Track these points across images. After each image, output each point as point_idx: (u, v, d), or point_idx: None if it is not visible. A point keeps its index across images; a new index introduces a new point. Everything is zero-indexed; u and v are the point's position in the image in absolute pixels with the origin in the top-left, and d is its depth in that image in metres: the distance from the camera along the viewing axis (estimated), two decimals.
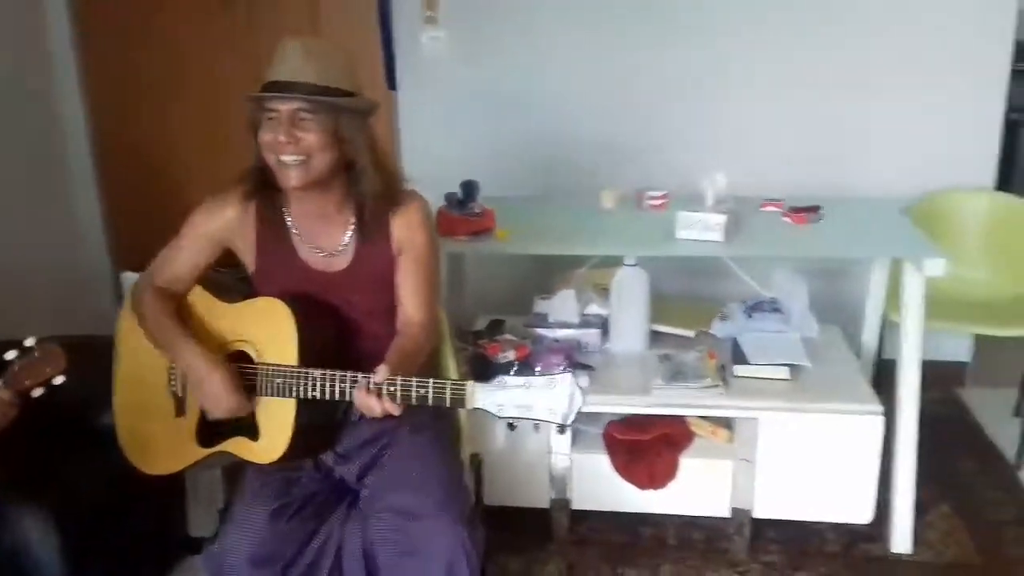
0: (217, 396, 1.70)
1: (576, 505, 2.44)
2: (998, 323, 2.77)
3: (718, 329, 2.64)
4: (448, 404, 1.59)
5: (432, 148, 3.24)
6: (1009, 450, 2.86)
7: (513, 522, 2.43)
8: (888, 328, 2.87)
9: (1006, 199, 3.05)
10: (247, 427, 1.74)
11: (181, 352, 1.75)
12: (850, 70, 3.06)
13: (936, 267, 2.20)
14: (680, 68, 3.11)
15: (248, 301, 1.82)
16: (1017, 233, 2.93)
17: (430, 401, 1.58)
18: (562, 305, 2.64)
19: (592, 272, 2.77)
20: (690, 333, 2.66)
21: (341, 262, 1.81)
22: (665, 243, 2.36)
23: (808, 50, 3.06)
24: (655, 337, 2.64)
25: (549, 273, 2.88)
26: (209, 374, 1.70)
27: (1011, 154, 5.12)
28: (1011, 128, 5.30)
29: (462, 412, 1.98)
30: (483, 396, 1.56)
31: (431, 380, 1.59)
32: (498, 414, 1.56)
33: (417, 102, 3.25)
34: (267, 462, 1.72)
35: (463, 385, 1.58)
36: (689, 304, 2.84)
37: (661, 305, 2.69)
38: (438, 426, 1.87)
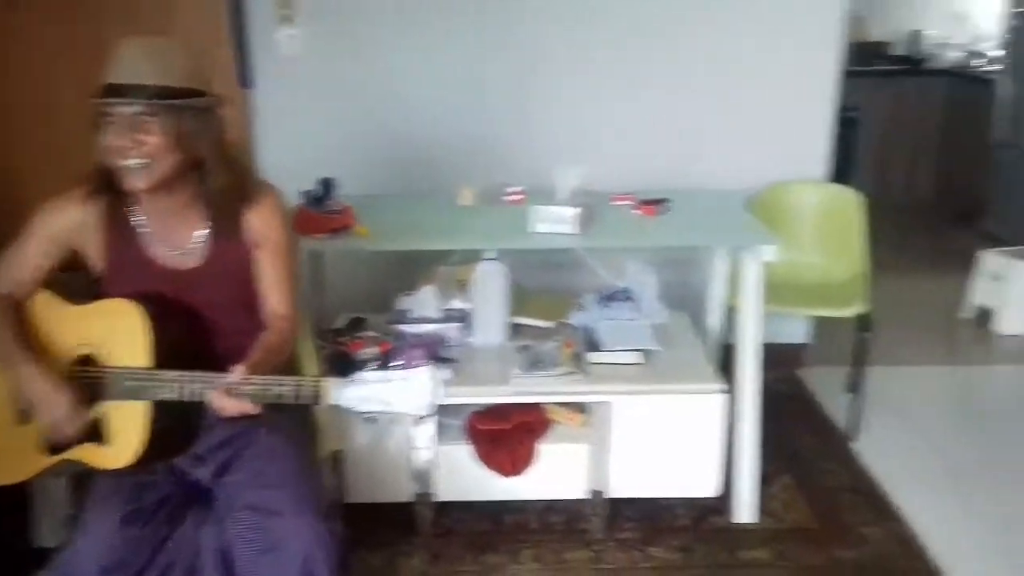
0: (58, 420, 1.67)
1: (440, 497, 2.49)
2: (831, 305, 2.98)
3: (575, 319, 2.74)
4: (305, 401, 1.60)
5: (291, 146, 3.21)
6: (843, 423, 3.09)
7: (377, 518, 2.46)
8: (735, 314, 3.05)
9: (837, 190, 3.27)
10: (96, 432, 1.70)
11: (20, 371, 1.70)
12: (696, 71, 3.22)
13: (769, 253, 2.37)
14: (537, 67, 3.20)
15: (96, 303, 1.78)
16: (846, 221, 3.16)
17: (287, 399, 1.59)
18: (424, 301, 2.68)
19: (454, 268, 2.82)
20: (549, 324, 2.75)
21: (195, 259, 1.79)
22: (521, 236, 2.43)
23: (658, 51, 3.20)
24: (516, 329, 2.72)
25: (412, 270, 2.91)
26: (51, 396, 1.67)
27: (848, 149, 5.51)
28: (848, 125, 5.71)
29: (320, 410, 1.99)
30: (340, 392, 1.57)
31: (287, 378, 1.60)
32: (356, 409, 1.58)
33: (274, 100, 3.21)
34: (118, 467, 1.68)
35: (319, 381, 1.59)
36: (548, 297, 2.93)
37: (522, 298, 2.77)
38: (295, 424, 1.87)
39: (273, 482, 1.72)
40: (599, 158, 3.06)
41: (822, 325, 3.51)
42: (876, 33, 6.05)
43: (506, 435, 2.48)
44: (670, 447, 2.47)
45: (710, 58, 3.21)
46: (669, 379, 2.47)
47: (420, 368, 1.58)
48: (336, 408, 1.61)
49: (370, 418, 2.30)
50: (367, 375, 1.57)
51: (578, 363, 2.49)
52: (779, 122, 3.29)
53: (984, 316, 4.04)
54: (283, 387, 1.59)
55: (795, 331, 3.57)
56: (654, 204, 2.63)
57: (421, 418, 1.65)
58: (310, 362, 2.04)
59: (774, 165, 3.30)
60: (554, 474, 2.49)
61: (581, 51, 3.19)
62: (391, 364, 1.64)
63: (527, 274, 2.94)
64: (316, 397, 1.59)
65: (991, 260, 4.03)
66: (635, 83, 3.23)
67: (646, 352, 2.55)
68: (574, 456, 2.47)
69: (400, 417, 1.60)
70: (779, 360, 3.48)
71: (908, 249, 5.16)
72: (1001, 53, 5.37)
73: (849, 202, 3.18)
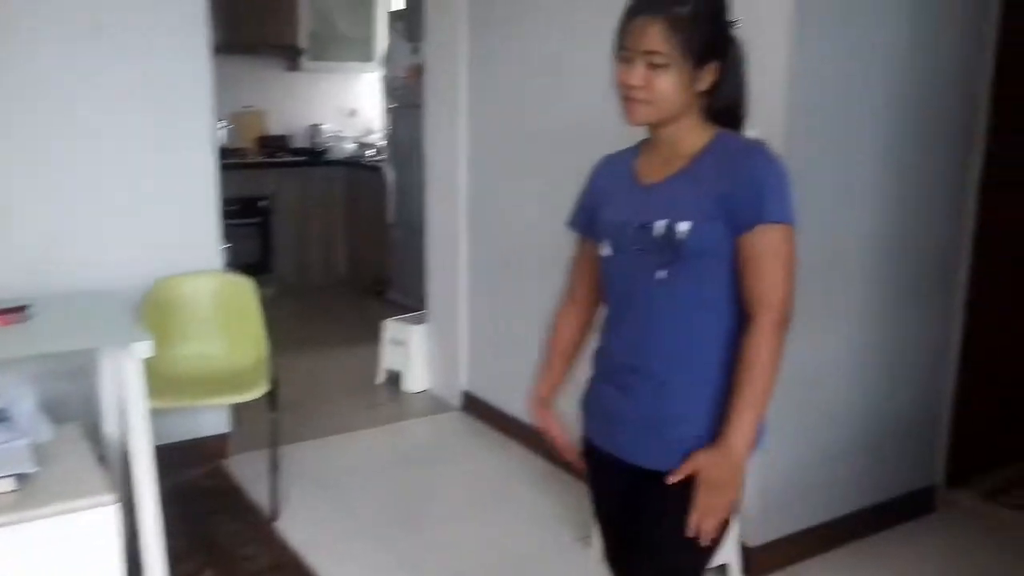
0: None
1: None
2: (238, 391, 3.01)
3: None
4: None
5: None
6: (267, 505, 3.12)
7: None
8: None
9: (229, 278, 3.34)
10: None
11: None
12: (64, 172, 3.07)
13: (144, 349, 2.30)
14: None
15: None
16: (243, 308, 3.24)
17: None
18: None
19: None
20: None
21: None
22: None
23: (20, 151, 2.98)
24: None
25: None
26: None
27: (266, 236, 5.72)
28: (263, 213, 5.95)
29: None
30: None
31: None
32: None
33: None
34: None
35: None
36: None
37: None
38: None
39: None
40: None
41: (244, 412, 3.53)
42: (277, 127, 6.43)
43: None
44: (63, 574, 2.23)
45: (82, 158, 3.09)
46: (52, 501, 2.23)
47: None
48: None
49: None
50: None
51: None
52: (162, 220, 3.29)
53: (394, 378, 4.45)
54: None
55: (216, 422, 3.53)
56: (12, 312, 2.40)
57: None
58: None
59: (166, 259, 3.27)
60: None
61: None
62: None
63: None
64: None
65: (392, 327, 4.47)
66: None
67: (21, 476, 2.28)
68: None
69: None
70: (202, 454, 3.44)
71: (331, 326, 5.51)
72: (384, 144, 6.08)
73: (244, 288, 3.27)
